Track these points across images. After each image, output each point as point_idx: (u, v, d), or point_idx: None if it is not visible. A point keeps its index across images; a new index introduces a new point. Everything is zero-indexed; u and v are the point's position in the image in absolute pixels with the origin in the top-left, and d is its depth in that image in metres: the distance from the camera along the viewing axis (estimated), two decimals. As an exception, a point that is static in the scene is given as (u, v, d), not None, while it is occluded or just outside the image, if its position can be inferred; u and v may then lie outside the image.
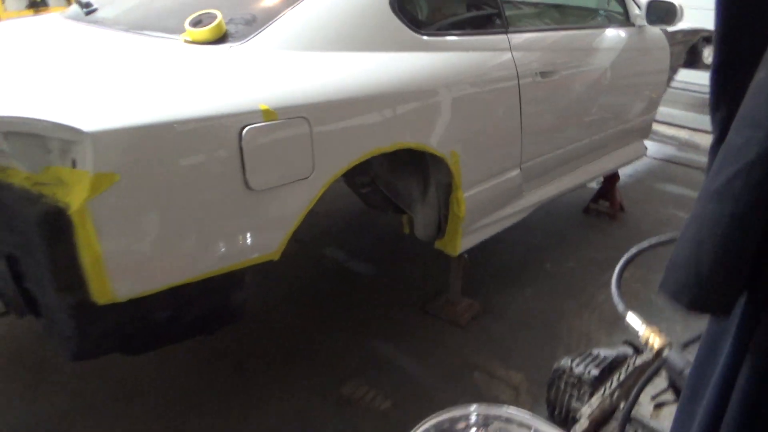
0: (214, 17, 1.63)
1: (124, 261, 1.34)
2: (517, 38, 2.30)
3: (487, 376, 2.22)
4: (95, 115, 1.28)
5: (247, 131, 1.43)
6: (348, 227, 3.39)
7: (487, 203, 2.29)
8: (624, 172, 3.73)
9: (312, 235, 3.15)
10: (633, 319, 0.95)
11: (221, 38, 1.64)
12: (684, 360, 0.84)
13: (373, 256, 3.10)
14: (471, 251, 2.40)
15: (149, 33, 1.78)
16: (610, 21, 2.99)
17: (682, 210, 3.65)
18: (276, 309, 2.59)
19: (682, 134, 5.01)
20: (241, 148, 1.43)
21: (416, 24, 1.96)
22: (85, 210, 1.25)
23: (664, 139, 4.96)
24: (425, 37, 1.96)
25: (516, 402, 2.07)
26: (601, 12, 3.11)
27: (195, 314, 1.57)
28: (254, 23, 1.69)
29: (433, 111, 1.91)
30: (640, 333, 0.94)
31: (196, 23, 1.64)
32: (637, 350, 1.90)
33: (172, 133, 1.35)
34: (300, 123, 1.54)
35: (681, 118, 5.09)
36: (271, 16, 1.70)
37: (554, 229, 3.39)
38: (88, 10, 2.09)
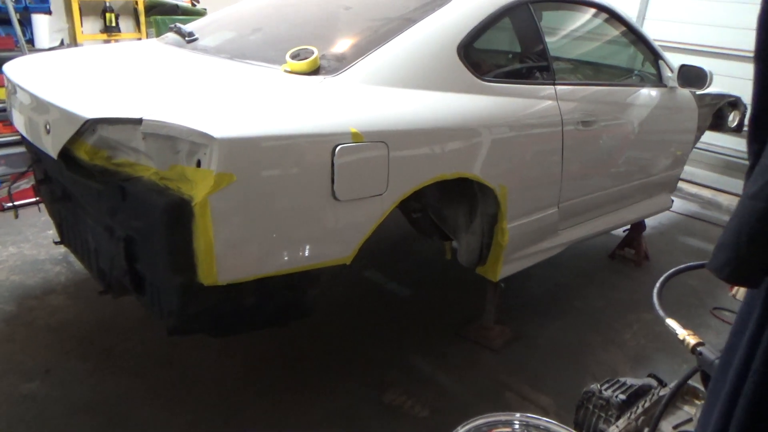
0: (312, 52, 1.91)
1: (229, 249, 1.57)
2: (563, 89, 2.55)
3: (519, 397, 2.38)
4: (220, 125, 1.53)
5: (339, 149, 1.68)
6: (388, 252, 3.61)
7: (526, 236, 2.50)
8: (649, 224, 3.92)
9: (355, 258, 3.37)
10: (672, 323, 1.15)
11: (315, 71, 1.91)
12: (716, 354, 1.03)
13: (411, 280, 3.31)
14: (506, 280, 2.60)
15: (251, 62, 2.06)
16: (644, 81, 3.25)
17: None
18: (322, 321, 2.79)
19: (705, 193, 5.20)
20: (333, 163, 1.68)
21: (478, 70, 2.22)
22: (206, 203, 1.50)
23: (687, 196, 5.16)
24: (485, 83, 2.22)
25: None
26: (636, 72, 3.37)
27: (275, 305, 1.79)
28: (344, 60, 1.96)
29: (489, 147, 2.15)
30: (678, 334, 1.13)
31: (295, 56, 1.92)
32: (662, 383, 2.07)
33: (280, 145, 1.60)
34: (380, 147, 1.79)
35: (704, 178, 5.29)
36: (357, 54, 1.98)
37: (582, 270, 3.58)
38: (190, 39, 2.39)
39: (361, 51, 2.00)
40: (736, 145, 4.96)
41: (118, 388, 2.26)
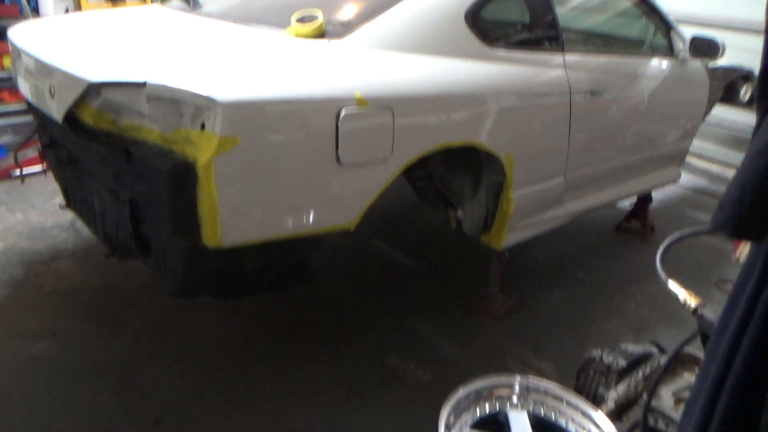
0: (317, 16, 1.88)
1: (234, 212, 1.58)
2: (572, 59, 2.51)
3: (520, 363, 2.41)
4: (224, 88, 1.53)
5: (343, 114, 1.67)
6: (392, 222, 3.61)
7: (532, 205, 2.50)
8: (657, 198, 3.90)
9: (358, 228, 3.39)
10: (673, 285, 1.15)
11: (320, 35, 1.89)
12: (717, 314, 1.03)
13: (415, 250, 3.32)
14: (511, 251, 2.60)
15: (256, 26, 2.04)
16: (655, 52, 3.19)
17: (711, 236, 3.80)
18: (324, 287, 2.81)
19: (714, 168, 5.15)
20: (337, 128, 1.67)
21: (486, 37, 2.19)
22: (210, 165, 1.50)
23: (696, 171, 5.11)
24: (493, 50, 2.19)
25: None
26: (647, 43, 3.31)
27: (278, 269, 1.80)
28: (349, 24, 1.94)
29: (496, 115, 2.13)
30: (680, 296, 1.13)
31: (300, 20, 1.90)
32: (663, 350, 2.08)
33: (284, 109, 1.60)
34: (386, 112, 1.78)
35: (714, 153, 5.23)
36: (363, 18, 1.95)
37: (587, 242, 3.58)
38: (195, 3, 2.37)
39: (367, 15, 1.97)
40: (747, 119, 4.89)
41: (124, 351, 2.30)
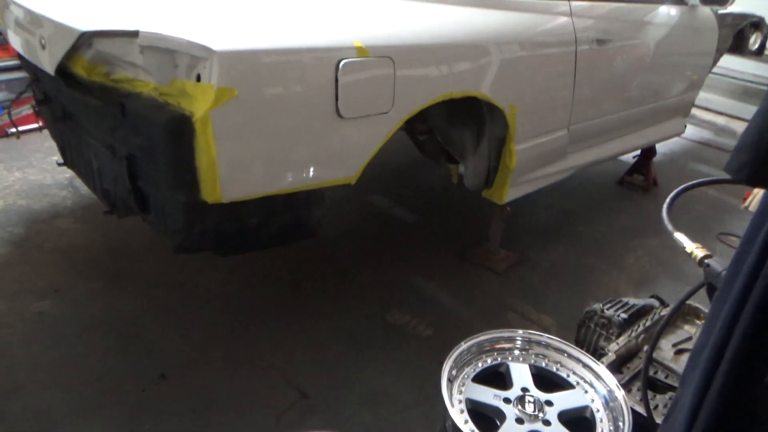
0: (314, -39, 1.80)
1: (232, 167, 1.55)
2: (578, 5, 2.43)
3: (520, 317, 2.43)
4: (219, 37, 1.47)
5: (343, 65, 1.62)
6: (393, 177, 3.58)
7: (534, 158, 2.46)
8: (660, 151, 3.86)
9: (359, 182, 3.36)
10: (680, 237, 1.13)
11: (318, -21, 1.81)
12: (724, 266, 1.02)
13: (416, 206, 3.30)
14: (512, 205, 2.58)
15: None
16: (663, -2, 3.09)
17: (714, 189, 3.79)
18: (325, 242, 2.81)
19: (720, 120, 5.09)
20: (336, 79, 1.62)
21: (489, -18, 2.11)
22: (207, 118, 1.46)
23: (701, 123, 5.05)
24: (497, -5, 2.12)
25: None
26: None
27: (279, 224, 1.78)
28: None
29: (500, 65, 2.08)
30: (687, 247, 1.12)
31: (297, -34, 1.82)
32: (663, 303, 2.09)
33: (283, 58, 1.55)
34: (386, 63, 1.73)
35: (720, 104, 5.16)
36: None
37: (588, 196, 3.56)
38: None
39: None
40: (755, 69, 4.80)
41: (127, 308, 2.31)
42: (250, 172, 1.60)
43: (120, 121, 1.62)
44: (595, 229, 3.18)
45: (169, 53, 1.50)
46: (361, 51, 1.66)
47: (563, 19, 2.35)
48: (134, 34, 1.50)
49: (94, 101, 1.66)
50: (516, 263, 2.78)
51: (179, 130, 1.48)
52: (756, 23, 3.83)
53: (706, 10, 3.18)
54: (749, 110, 5.02)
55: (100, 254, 2.64)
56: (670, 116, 3.36)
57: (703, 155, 4.42)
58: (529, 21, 2.21)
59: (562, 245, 2.99)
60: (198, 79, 1.49)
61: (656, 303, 2.08)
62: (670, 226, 1.16)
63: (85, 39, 1.60)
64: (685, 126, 3.59)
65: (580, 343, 2.00)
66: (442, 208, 3.29)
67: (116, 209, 1.92)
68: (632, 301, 2.04)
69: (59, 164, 2.39)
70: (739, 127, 4.92)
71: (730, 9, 3.40)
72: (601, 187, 3.72)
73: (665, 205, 1.21)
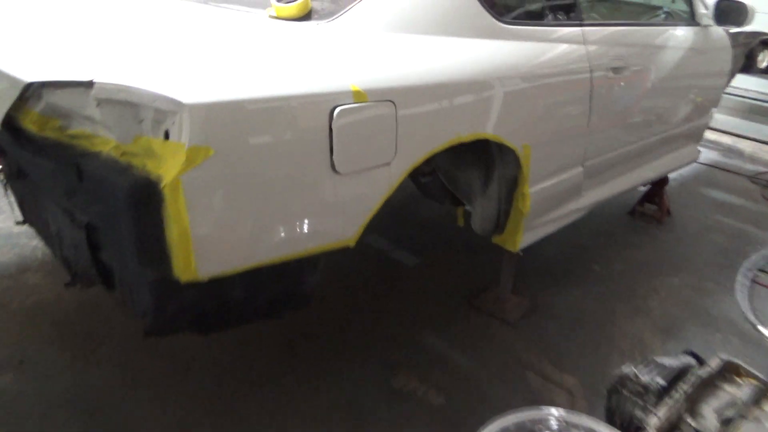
0: (301, -7, 1.58)
1: (211, 239, 1.31)
2: (590, 31, 2.23)
3: (540, 378, 2.18)
4: (191, 88, 1.24)
5: (338, 111, 1.39)
6: (392, 215, 3.34)
7: (549, 200, 2.24)
8: (670, 176, 3.65)
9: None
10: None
11: (306, 15, 1.59)
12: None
13: (418, 246, 3.06)
14: (524, 248, 2.35)
15: (230, 6, 1.73)
16: (674, 19, 2.91)
17: (728, 216, 3.58)
18: (322, 295, 2.56)
19: (725, 139, 4.90)
20: (330, 129, 1.39)
21: (497, 11, 1.89)
22: (177, 183, 1.22)
23: (707, 143, 4.86)
24: (506, 25, 1.90)
25: (572, 407, 2.02)
26: (665, 9, 3.01)
27: (268, 297, 1.54)
28: (340, 2, 1.63)
29: (511, 102, 1.86)
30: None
31: (281, -2, 1.59)
32: (700, 360, 1.85)
33: (267, 109, 1.31)
34: (387, 106, 1.49)
35: (724, 123, 4.98)
36: (356, -5, 1.65)
37: (600, 229, 3.33)
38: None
39: (360, -10, 1.67)
40: (761, 87, 4.63)
41: (100, 380, 2.04)
42: (232, 242, 1.35)
43: (77, 184, 1.37)
44: (611, 267, 2.95)
45: (130, 106, 1.26)
46: (358, 95, 1.43)
47: (576, 47, 2.14)
48: (88, 84, 1.26)
49: (46, 161, 1.42)
50: (530, 310, 2.53)
51: (144, 197, 1.23)
52: (766, 41, 3.66)
53: (719, 30, 3.00)
54: (755, 129, 4.85)
55: (70, 314, 2.37)
56: (685, 143, 3.16)
57: (713, 179, 4.22)
58: (542, 51, 2.00)
59: (578, 287, 2.75)
60: (167, 136, 1.25)
61: (692, 361, 1.85)
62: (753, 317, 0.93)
63: (33, 90, 1.36)
64: (699, 152, 3.39)
65: (611, 412, 1.77)
66: (445, 247, 3.05)
67: (79, 280, 1.66)
68: (667, 360, 1.81)
69: (18, 223, 2.13)
70: (746, 146, 4.74)
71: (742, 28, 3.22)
72: (611, 218, 3.49)
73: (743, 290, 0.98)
